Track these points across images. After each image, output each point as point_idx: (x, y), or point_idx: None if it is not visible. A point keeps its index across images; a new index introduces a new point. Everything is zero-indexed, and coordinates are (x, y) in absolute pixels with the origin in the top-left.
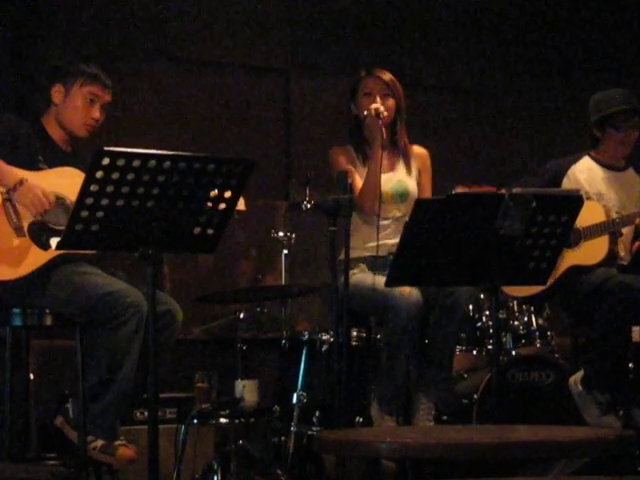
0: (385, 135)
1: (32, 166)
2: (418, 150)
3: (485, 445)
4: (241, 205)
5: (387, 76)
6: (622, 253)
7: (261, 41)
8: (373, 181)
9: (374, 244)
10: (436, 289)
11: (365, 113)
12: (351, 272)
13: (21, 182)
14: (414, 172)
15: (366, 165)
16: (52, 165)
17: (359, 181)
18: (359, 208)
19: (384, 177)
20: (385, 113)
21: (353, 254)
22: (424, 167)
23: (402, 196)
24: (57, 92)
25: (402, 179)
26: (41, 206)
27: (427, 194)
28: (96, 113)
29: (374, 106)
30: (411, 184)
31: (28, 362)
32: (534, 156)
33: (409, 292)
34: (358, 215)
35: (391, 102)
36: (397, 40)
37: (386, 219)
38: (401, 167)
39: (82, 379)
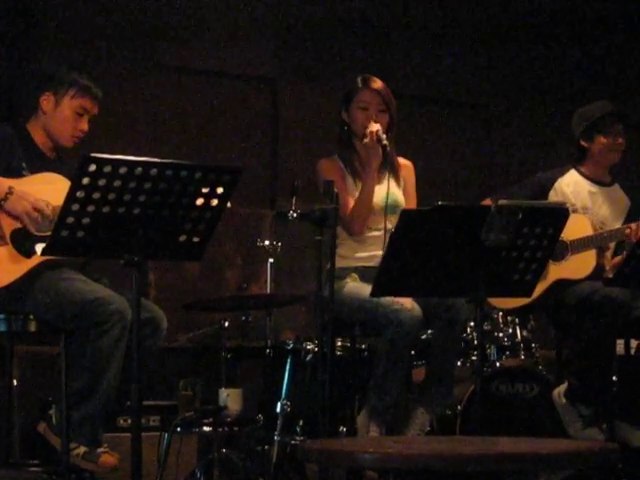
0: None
1: (15, 173)
2: (403, 162)
3: (468, 456)
4: None
5: (383, 88)
6: (607, 267)
7: (249, 49)
8: (365, 204)
9: (365, 254)
10: (435, 302)
11: (366, 134)
12: (343, 281)
13: (10, 191)
14: (402, 183)
15: (354, 176)
16: (36, 171)
17: (349, 197)
18: (348, 229)
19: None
20: (386, 142)
21: (345, 263)
22: (409, 179)
23: (392, 208)
24: (46, 100)
25: (392, 191)
26: (35, 214)
27: (413, 206)
28: (84, 125)
29: (375, 128)
30: (400, 196)
31: (12, 368)
32: (521, 168)
33: (411, 305)
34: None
35: (386, 119)
36: (385, 49)
37: (377, 230)
38: (390, 179)
39: (65, 386)
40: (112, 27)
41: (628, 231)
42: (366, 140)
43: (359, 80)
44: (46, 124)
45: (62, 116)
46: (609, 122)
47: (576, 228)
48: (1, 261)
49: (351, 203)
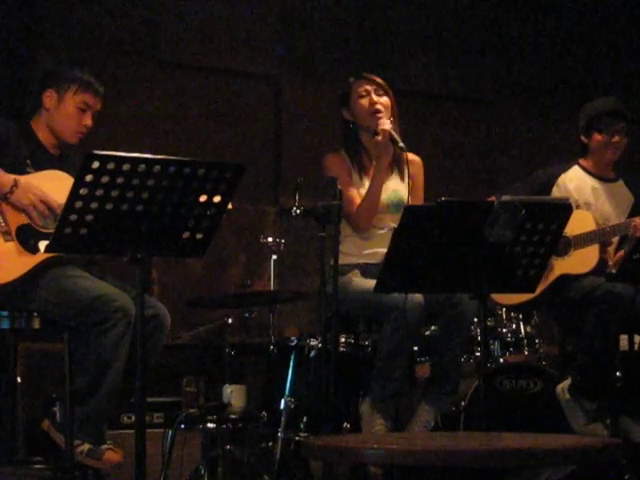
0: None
1: (20, 171)
2: (412, 157)
3: (472, 452)
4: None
5: (377, 77)
6: (610, 262)
7: (252, 47)
8: (373, 199)
9: (369, 251)
10: (442, 299)
11: (378, 133)
12: (346, 277)
13: (15, 184)
14: (407, 180)
15: (361, 172)
16: (40, 168)
17: (355, 193)
18: (354, 224)
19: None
20: (402, 144)
21: (348, 260)
22: (417, 175)
23: (397, 206)
24: (49, 97)
25: (397, 188)
26: (42, 206)
27: (419, 202)
28: (88, 121)
29: (387, 127)
30: (405, 193)
31: (16, 365)
32: (525, 164)
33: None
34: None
35: (386, 100)
36: (388, 47)
37: (381, 229)
38: (395, 175)
39: (69, 383)
40: (114, 23)
41: (632, 225)
42: (378, 137)
43: (351, 78)
44: (50, 121)
45: (65, 112)
46: (607, 120)
47: (579, 223)
48: (7, 257)
49: (357, 198)
